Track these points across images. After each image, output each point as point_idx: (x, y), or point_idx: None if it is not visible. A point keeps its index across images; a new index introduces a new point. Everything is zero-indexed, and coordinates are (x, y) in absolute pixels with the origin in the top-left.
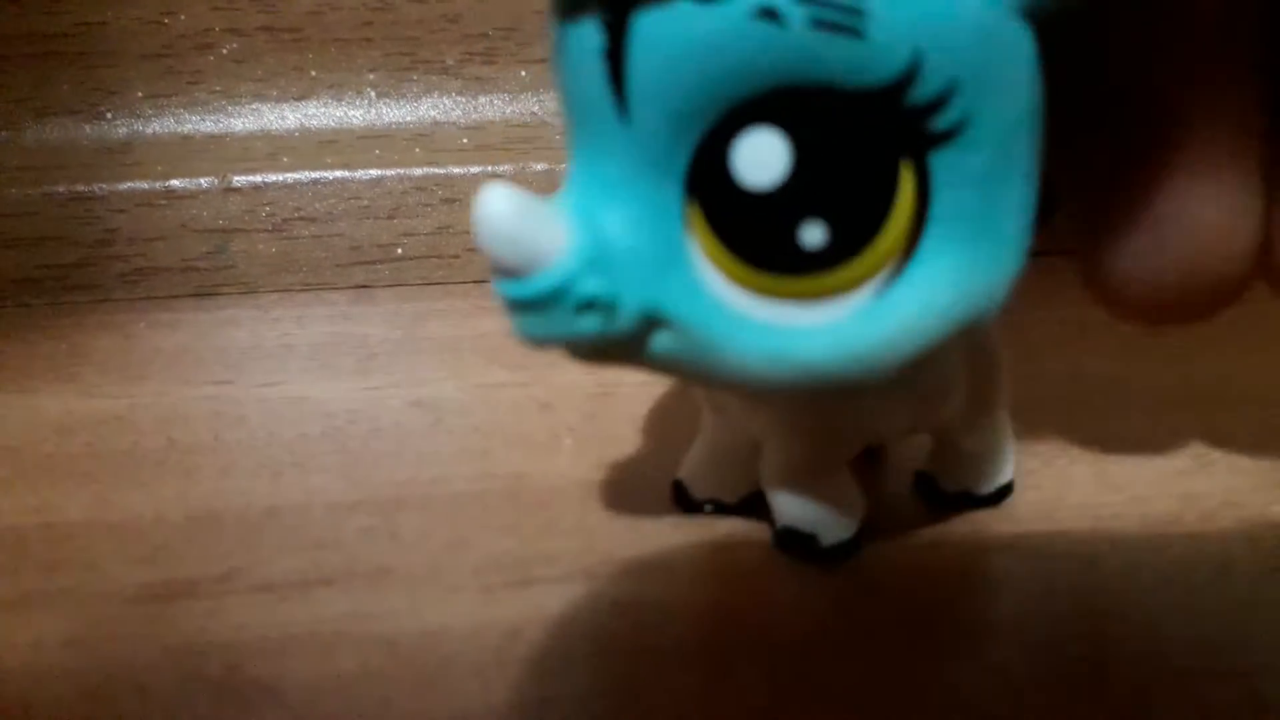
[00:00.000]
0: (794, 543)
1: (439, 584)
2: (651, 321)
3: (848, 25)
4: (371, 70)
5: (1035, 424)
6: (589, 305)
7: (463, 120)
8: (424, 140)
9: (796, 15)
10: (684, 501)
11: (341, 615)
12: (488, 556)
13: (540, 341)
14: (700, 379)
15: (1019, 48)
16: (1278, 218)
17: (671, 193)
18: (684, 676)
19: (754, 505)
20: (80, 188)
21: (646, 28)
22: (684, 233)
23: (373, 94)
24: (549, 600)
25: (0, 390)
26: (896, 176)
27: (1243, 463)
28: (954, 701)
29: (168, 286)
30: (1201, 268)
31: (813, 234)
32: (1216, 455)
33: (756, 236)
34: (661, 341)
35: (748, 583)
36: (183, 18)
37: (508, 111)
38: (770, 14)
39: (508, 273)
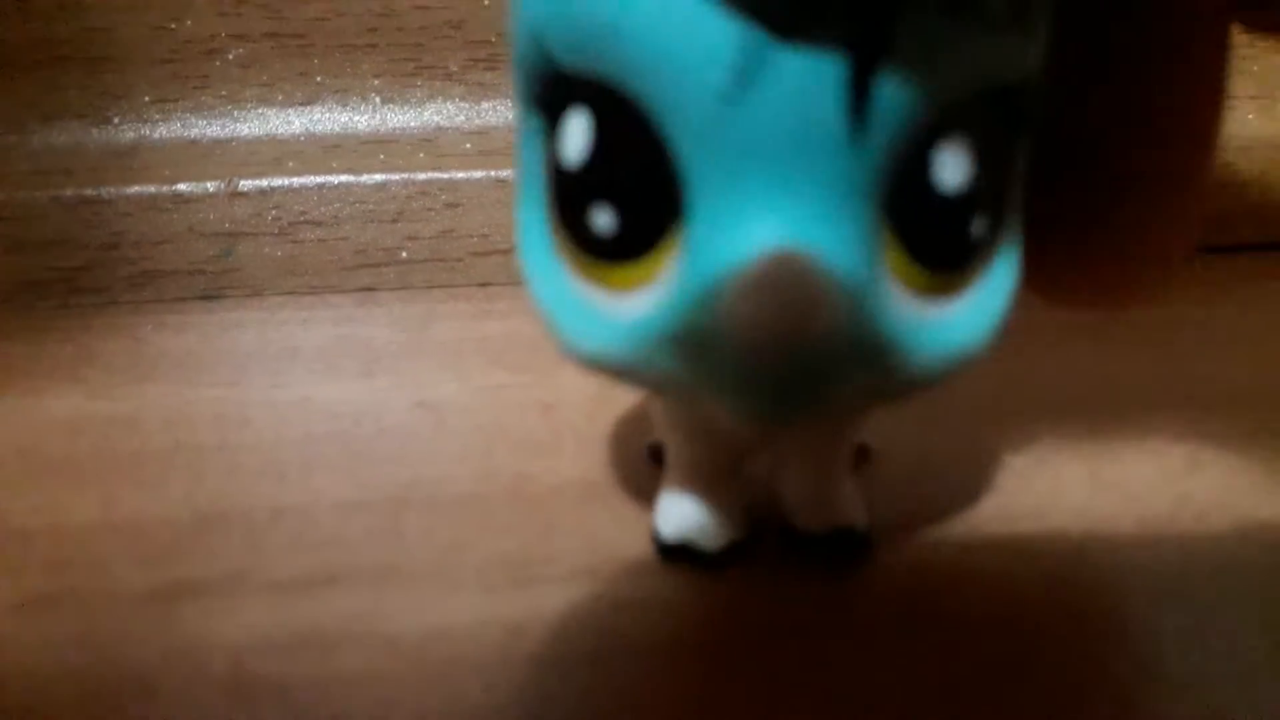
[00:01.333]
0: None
1: (442, 583)
2: (881, 351)
3: (1029, 22)
4: (376, 76)
5: (1028, 424)
6: (859, 351)
7: (466, 125)
8: (428, 145)
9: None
10: (705, 561)
11: (347, 614)
12: (490, 556)
13: (802, 409)
14: (885, 398)
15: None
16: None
17: (876, 213)
18: (684, 675)
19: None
20: (87, 191)
21: (902, 46)
22: (882, 252)
23: (377, 99)
24: (551, 599)
25: (7, 392)
26: (1011, 154)
27: (1237, 463)
28: (952, 700)
29: (174, 289)
30: None
31: (980, 226)
32: (1211, 455)
33: (943, 239)
34: (879, 369)
35: (748, 582)
36: (189, 24)
37: (511, 117)
38: (993, 20)
39: (800, 342)
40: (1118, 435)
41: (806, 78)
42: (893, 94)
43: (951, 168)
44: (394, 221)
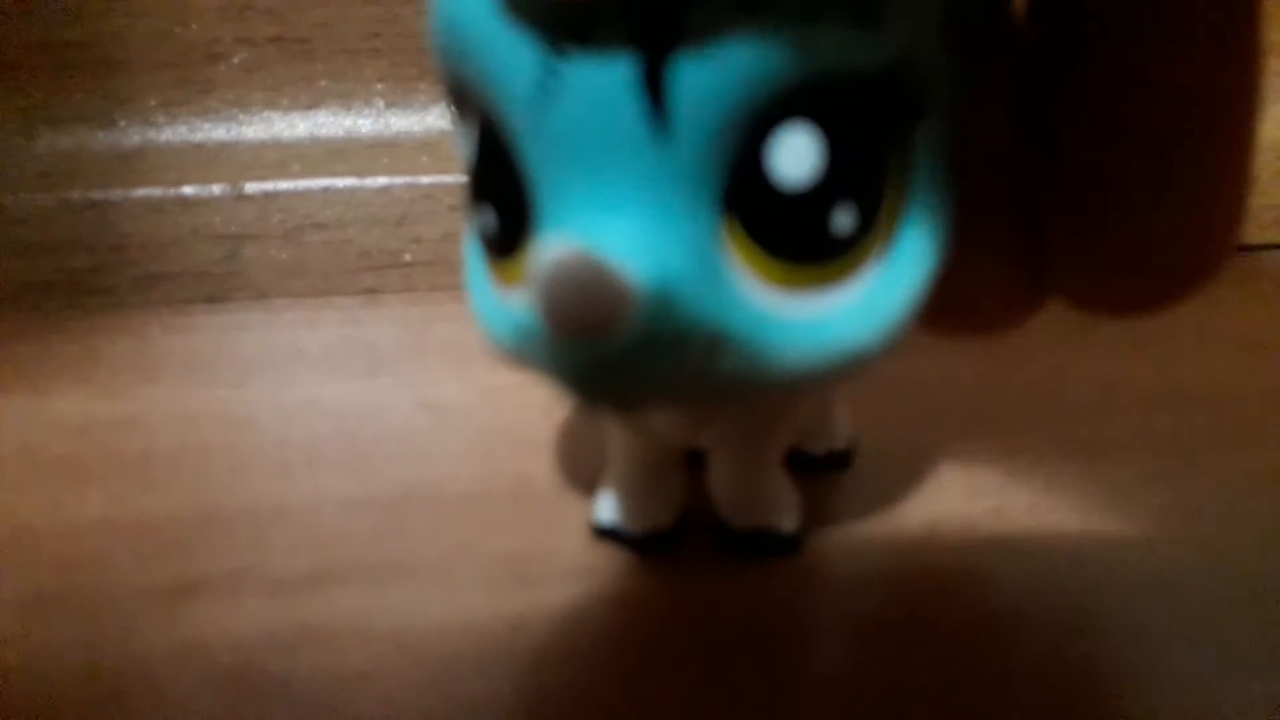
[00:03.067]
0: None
1: (445, 580)
2: (714, 345)
3: (870, 10)
4: (380, 80)
5: (1024, 425)
6: (674, 343)
7: None
8: (431, 149)
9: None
10: (630, 544)
11: (351, 611)
12: (492, 554)
13: (620, 398)
14: (749, 391)
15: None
16: (1053, 254)
17: (709, 208)
18: (683, 670)
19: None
20: (94, 195)
21: (693, 44)
22: (723, 247)
23: (381, 104)
24: (551, 596)
25: (16, 392)
26: (893, 150)
27: (1229, 462)
28: (949, 697)
29: (180, 291)
30: (980, 314)
31: (843, 218)
32: (1203, 454)
33: (795, 231)
34: (721, 363)
35: (745, 579)
36: (195, 28)
37: None
38: (810, 10)
39: (590, 332)
40: (1111, 436)
41: (601, 81)
42: (694, 89)
43: (791, 158)
44: (398, 225)
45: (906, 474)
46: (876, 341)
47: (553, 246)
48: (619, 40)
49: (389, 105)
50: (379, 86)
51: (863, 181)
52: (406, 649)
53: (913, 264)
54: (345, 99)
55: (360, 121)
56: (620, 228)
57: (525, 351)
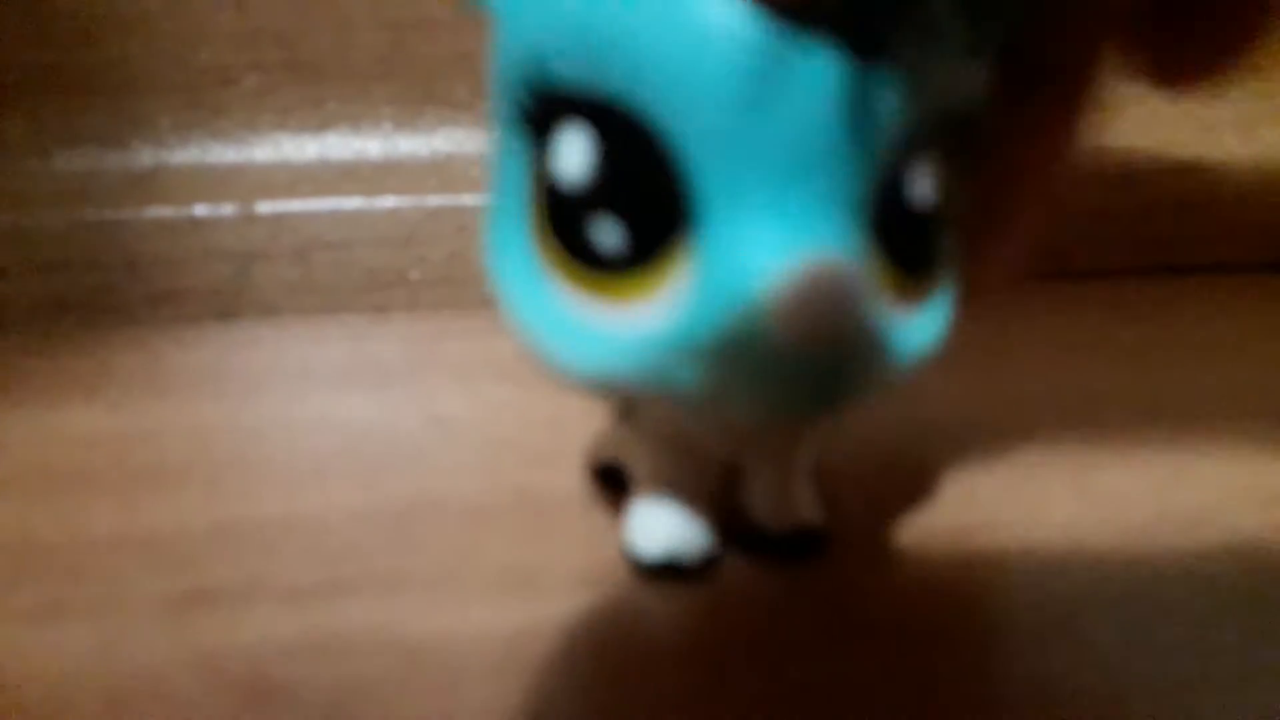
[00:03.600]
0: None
1: (452, 591)
2: (884, 351)
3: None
4: (388, 104)
5: (1015, 437)
6: (873, 350)
7: (475, 152)
8: (438, 171)
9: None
10: (688, 574)
11: (359, 621)
12: (498, 565)
13: (813, 409)
14: (869, 394)
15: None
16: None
17: (869, 222)
18: (684, 680)
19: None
20: (108, 214)
21: (892, 63)
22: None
23: (389, 126)
24: (556, 607)
25: (30, 406)
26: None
27: (1221, 474)
28: (936, 707)
29: (191, 308)
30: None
31: (943, 237)
32: (1195, 467)
33: (916, 249)
34: (880, 369)
35: (746, 589)
36: (206, 53)
37: None
38: (974, 47)
39: (838, 341)
40: (1102, 448)
41: (813, 88)
42: (884, 107)
43: (921, 183)
44: (405, 244)
45: (896, 485)
46: (939, 342)
47: (801, 256)
48: (832, 48)
49: (397, 128)
50: (387, 110)
51: (949, 206)
52: (414, 658)
53: (951, 273)
54: (354, 121)
55: (368, 144)
56: (834, 235)
57: (655, 374)
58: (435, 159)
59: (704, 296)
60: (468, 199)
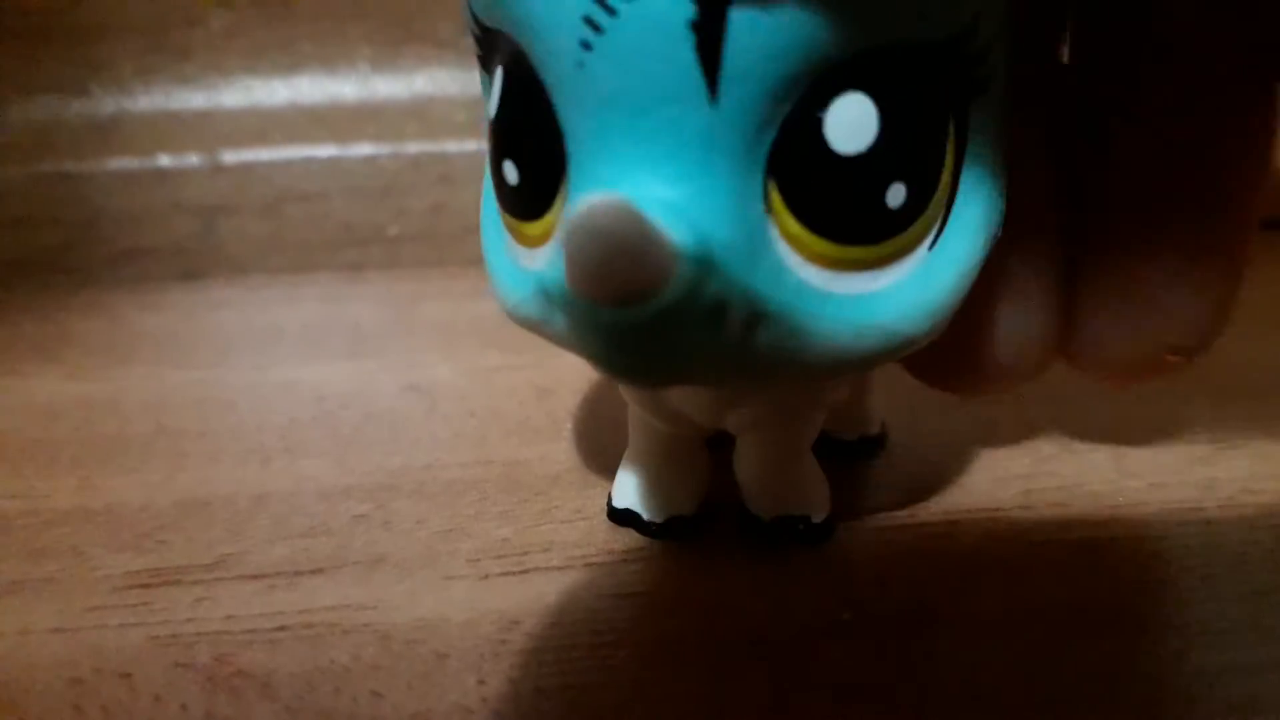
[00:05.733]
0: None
1: (433, 573)
2: (753, 317)
3: None
4: (364, 43)
5: (1053, 410)
6: (711, 313)
7: (458, 95)
8: (418, 115)
9: None
10: (648, 530)
11: (333, 605)
12: (484, 545)
13: (650, 370)
14: (790, 371)
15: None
16: (1073, 315)
17: (754, 175)
18: (685, 669)
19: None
20: (66, 166)
21: None
22: (766, 217)
23: (366, 67)
24: (547, 590)
25: None
26: (949, 126)
27: (1264, 448)
28: (967, 695)
29: (155, 268)
30: (998, 368)
31: (895, 196)
32: (1237, 441)
33: (844, 207)
34: (760, 337)
35: (751, 574)
36: None
37: None
38: None
39: (621, 299)
40: (1142, 421)
41: (653, 29)
42: (751, 45)
43: (850, 128)
44: (383, 196)
45: (930, 462)
46: (924, 326)
47: (590, 199)
48: None
49: (374, 69)
50: (364, 49)
51: (917, 159)
52: (392, 644)
53: (962, 248)
54: (328, 63)
55: (344, 87)
56: (663, 186)
57: (547, 319)
58: (416, 102)
59: (557, 241)
60: (451, 146)
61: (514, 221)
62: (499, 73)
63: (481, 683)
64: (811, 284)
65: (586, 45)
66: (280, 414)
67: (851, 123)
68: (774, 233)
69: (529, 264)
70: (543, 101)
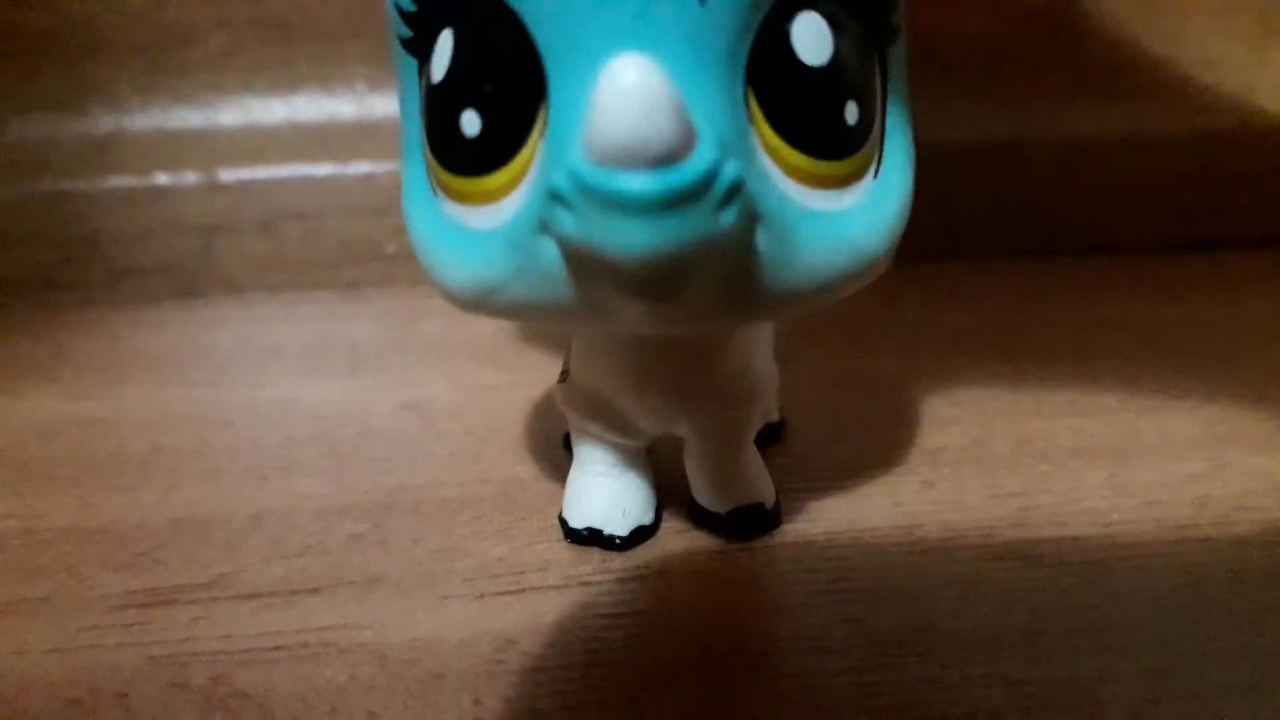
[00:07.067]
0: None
1: (430, 592)
2: (755, 215)
3: None
4: (361, 63)
5: (1046, 427)
6: (730, 194)
7: None
8: None
9: None
10: (598, 540)
11: (330, 624)
12: (480, 564)
13: (676, 253)
14: (775, 288)
15: None
16: None
17: (737, 80)
18: (682, 687)
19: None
20: (64, 185)
21: None
22: (752, 124)
23: (363, 86)
24: (543, 609)
25: None
26: (876, 63)
27: (1257, 465)
28: (962, 713)
29: (152, 286)
30: None
31: (851, 113)
32: (1230, 458)
33: (814, 118)
34: (759, 241)
35: (747, 590)
36: (169, 11)
37: None
38: None
39: (655, 159)
40: (1137, 437)
41: None
42: None
43: (811, 41)
44: (380, 214)
45: (926, 480)
46: (885, 244)
47: (620, 64)
48: None
49: (371, 88)
50: (360, 69)
51: (863, 81)
52: (389, 664)
53: (897, 179)
54: (325, 82)
55: (341, 105)
56: (672, 72)
57: (506, 278)
58: None
59: (547, 155)
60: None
61: (467, 182)
62: (445, 35)
63: (477, 702)
64: (791, 197)
65: None
66: (277, 432)
67: (812, 36)
68: (756, 142)
69: (486, 223)
70: (516, 33)
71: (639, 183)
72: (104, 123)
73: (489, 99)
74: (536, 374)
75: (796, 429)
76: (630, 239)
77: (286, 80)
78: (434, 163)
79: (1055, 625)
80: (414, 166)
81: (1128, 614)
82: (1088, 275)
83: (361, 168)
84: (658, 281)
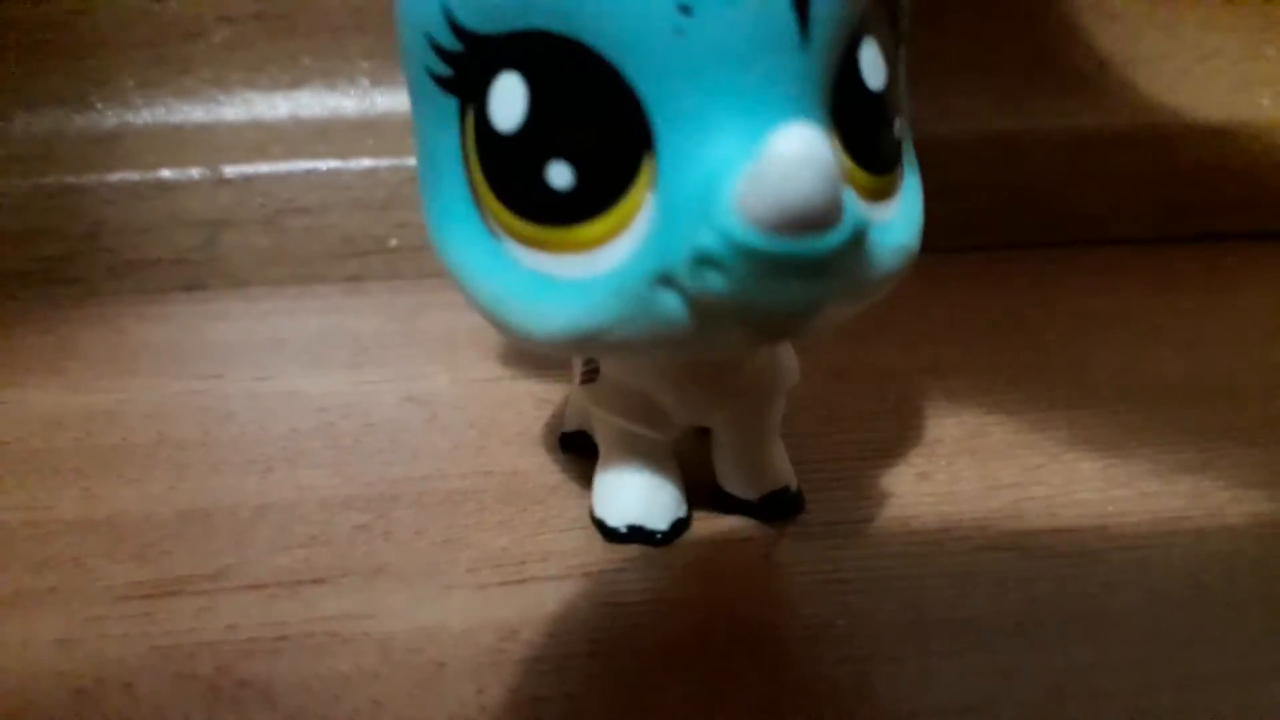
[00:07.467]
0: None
1: (433, 582)
2: (863, 246)
3: None
4: (365, 58)
5: (1041, 419)
6: (858, 238)
7: None
8: None
9: None
10: (639, 537)
11: (334, 614)
12: (483, 554)
13: (828, 301)
14: (851, 294)
15: None
16: None
17: (827, 112)
18: (683, 677)
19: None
20: (69, 179)
21: None
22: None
23: (366, 82)
24: (545, 599)
25: None
26: (900, 69)
27: (1251, 457)
28: (959, 702)
29: (157, 280)
30: None
31: (898, 127)
32: (1224, 450)
33: (877, 138)
34: (859, 265)
35: (748, 581)
36: (174, 6)
37: None
38: None
39: (823, 225)
40: (1131, 429)
41: None
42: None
43: (873, 67)
44: (383, 208)
45: (921, 471)
46: (918, 239)
47: (786, 132)
48: None
49: (374, 84)
50: (364, 64)
51: (905, 95)
52: (394, 654)
53: (914, 169)
54: (329, 77)
55: (344, 101)
56: (802, 125)
57: (616, 321)
58: None
59: (671, 211)
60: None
61: (552, 231)
62: (513, 82)
63: (480, 691)
64: (870, 218)
65: (685, 10)
66: (281, 425)
67: (873, 61)
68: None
69: (581, 271)
70: (612, 83)
71: (807, 247)
72: (109, 117)
73: (584, 151)
74: (539, 367)
75: (794, 420)
76: (790, 296)
77: (290, 75)
78: (503, 210)
79: (1050, 615)
80: (452, 204)
81: (1122, 604)
82: (1083, 267)
83: (365, 162)
84: (801, 326)
